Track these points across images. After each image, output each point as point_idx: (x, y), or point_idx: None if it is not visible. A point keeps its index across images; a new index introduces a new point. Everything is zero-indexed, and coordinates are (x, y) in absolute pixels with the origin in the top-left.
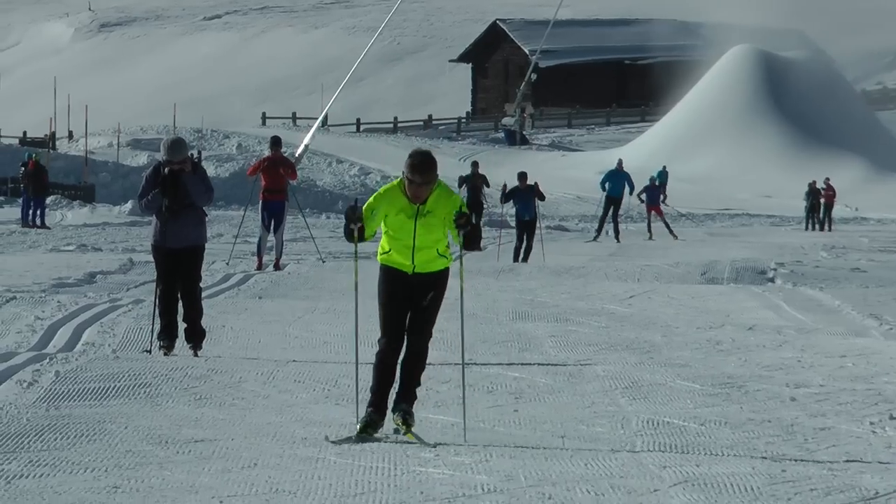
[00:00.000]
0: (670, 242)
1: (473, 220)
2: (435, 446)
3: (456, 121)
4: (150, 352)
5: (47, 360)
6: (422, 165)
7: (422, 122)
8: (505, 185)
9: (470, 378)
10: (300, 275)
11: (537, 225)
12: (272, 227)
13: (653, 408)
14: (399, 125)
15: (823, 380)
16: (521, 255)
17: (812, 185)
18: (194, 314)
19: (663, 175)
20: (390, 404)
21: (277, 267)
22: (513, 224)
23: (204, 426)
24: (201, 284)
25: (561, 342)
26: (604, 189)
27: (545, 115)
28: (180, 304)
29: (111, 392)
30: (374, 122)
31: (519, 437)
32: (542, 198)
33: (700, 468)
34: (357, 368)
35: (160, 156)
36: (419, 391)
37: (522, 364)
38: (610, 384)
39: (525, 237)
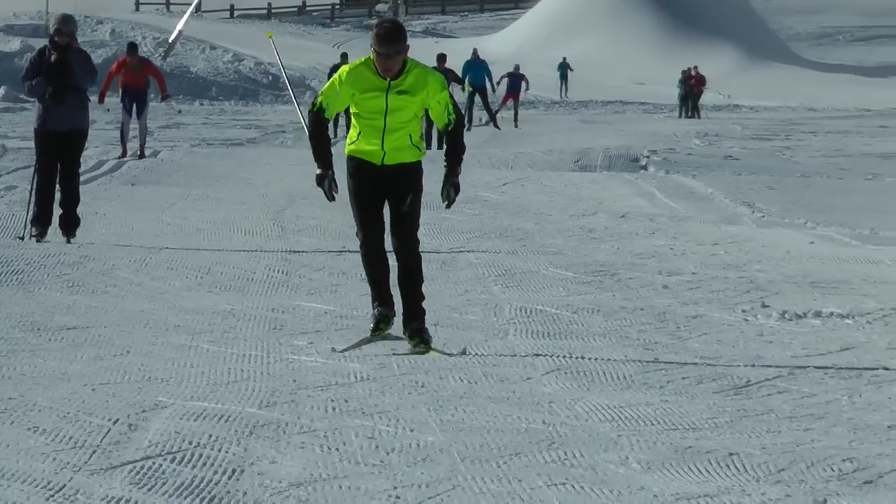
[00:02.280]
0: (544, 130)
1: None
2: (464, 353)
3: (330, 7)
4: (22, 238)
5: None
6: (388, 35)
7: (296, 9)
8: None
9: (342, 266)
10: (173, 161)
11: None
12: (134, 113)
13: (525, 295)
14: (273, 11)
15: (696, 267)
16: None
17: (685, 73)
18: (72, 201)
19: (564, 66)
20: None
21: (142, 154)
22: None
23: (76, 313)
24: (80, 166)
25: (433, 229)
26: (465, 80)
27: (418, 1)
28: (56, 190)
29: None
30: (248, 8)
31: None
32: (459, 82)
33: (572, 357)
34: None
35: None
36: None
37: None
38: (483, 272)
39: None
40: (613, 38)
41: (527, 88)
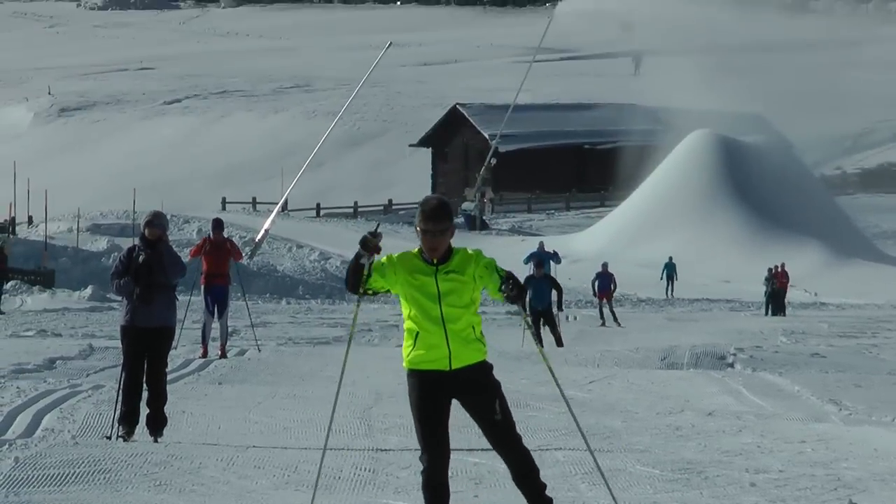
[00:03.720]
0: (630, 327)
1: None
2: None
3: (416, 206)
4: (110, 438)
5: (6, 446)
6: (434, 211)
7: (382, 207)
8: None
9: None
10: (260, 360)
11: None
12: (216, 313)
13: (613, 494)
14: (359, 210)
15: (783, 465)
16: (556, 341)
17: (772, 271)
18: (160, 401)
19: (671, 267)
20: None
21: (223, 354)
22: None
23: None
24: (168, 365)
25: (521, 427)
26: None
27: (505, 199)
28: (143, 389)
29: (71, 478)
30: (334, 207)
31: None
32: (557, 287)
33: None
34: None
35: (134, 240)
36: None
37: (482, 449)
38: (570, 469)
39: (550, 328)
40: (699, 237)
41: (615, 288)
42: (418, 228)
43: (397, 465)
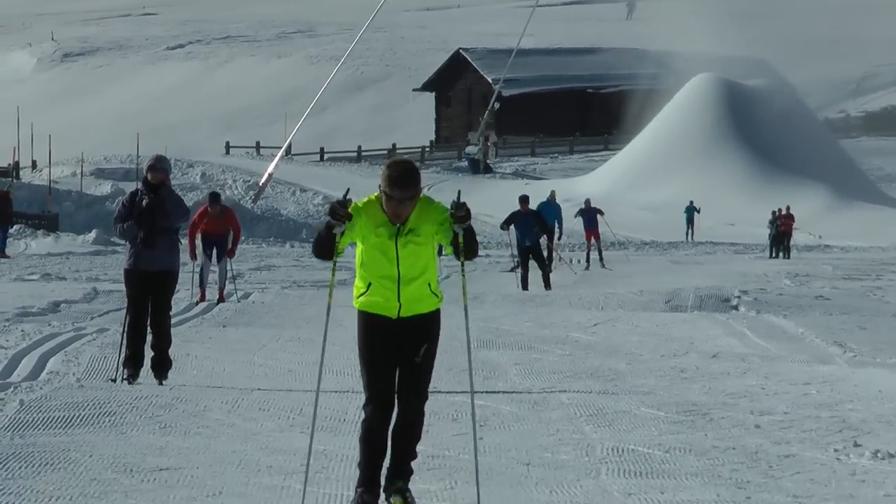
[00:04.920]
0: (634, 270)
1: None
2: None
3: (420, 150)
4: (114, 380)
5: (11, 388)
6: (402, 178)
7: (386, 151)
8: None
9: (435, 406)
10: (264, 303)
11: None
12: (215, 258)
13: (617, 435)
14: (363, 154)
15: (787, 407)
16: (523, 285)
17: (776, 214)
18: (163, 343)
19: (691, 210)
20: (382, 481)
21: (221, 299)
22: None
23: (169, 455)
24: (171, 310)
25: (525, 370)
26: None
27: (508, 143)
28: (147, 332)
29: (76, 421)
30: (337, 151)
31: (484, 465)
32: (543, 224)
33: (665, 495)
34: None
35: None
36: (415, 464)
37: (487, 392)
38: (574, 412)
39: (538, 264)
40: (703, 180)
41: (601, 214)
42: (383, 191)
43: None
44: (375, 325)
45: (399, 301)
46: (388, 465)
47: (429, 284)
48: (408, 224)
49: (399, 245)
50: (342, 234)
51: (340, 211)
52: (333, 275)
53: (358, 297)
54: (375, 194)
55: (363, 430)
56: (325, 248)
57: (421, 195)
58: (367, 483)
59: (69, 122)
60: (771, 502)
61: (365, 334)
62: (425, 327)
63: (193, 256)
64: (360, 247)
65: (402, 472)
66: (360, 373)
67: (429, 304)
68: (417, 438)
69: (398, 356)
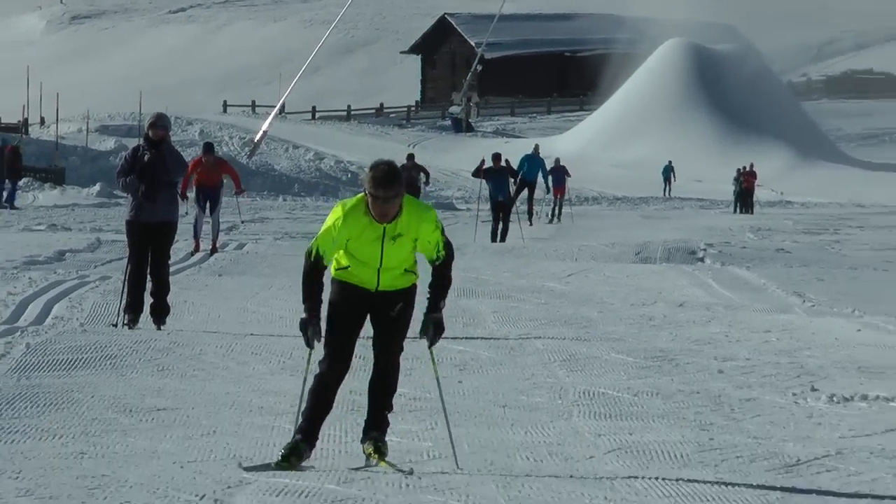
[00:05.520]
0: (606, 224)
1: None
2: (410, 472)
3: (406, 109)
4: (115, 325)
5: (18, 332)
6: (385, 178)
7: (374, 111)
8: (482, 161)
9: (416, 352)
10: (258, 253)
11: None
12: (208, 210)
13: (589, 379)
14: (352, 113)
15: (749, 353)
16: (500, 237)
17: (740, 171)
18: (162, 291)
19: (668, 169)
20: (335, 435)
21: (214, 249)
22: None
23: (166, 396)
24: (170, 260)
25: (503, 318)
26: (520, 173)
27: (490, 104)
28: (147, 280)
29: (79, 363)
30: (328, 110)
31: (463, 407)
32: (514, 177)
33: (633, 436)
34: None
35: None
36: (398, 405)
37: (466, 338)
38: (548, 357)
39: (501, 218)
40: (672, 139)
41: (568, 176)
42: (368, 193)
43: None
44: (351, 291)
45: (378, 281)
46: (365, 417)
47: (405, 269)
48: (397, 229)
49: (385, 246)
50: (319, 337)
51: (309, 333)
52: (309, 363)
53: (337, 270)
54: (358, 196)
55: (315, 382)
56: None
57: (408, 200)
58: (306, 432)
59: (76, 81)
60: (732, 443)
61: (339, 297)
62: (401, 296)
63: (185, 197)
64: (347, 245)
65: (378, 423)
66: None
67: (406, 281)
68: (393, 391)
69: (362, 322)
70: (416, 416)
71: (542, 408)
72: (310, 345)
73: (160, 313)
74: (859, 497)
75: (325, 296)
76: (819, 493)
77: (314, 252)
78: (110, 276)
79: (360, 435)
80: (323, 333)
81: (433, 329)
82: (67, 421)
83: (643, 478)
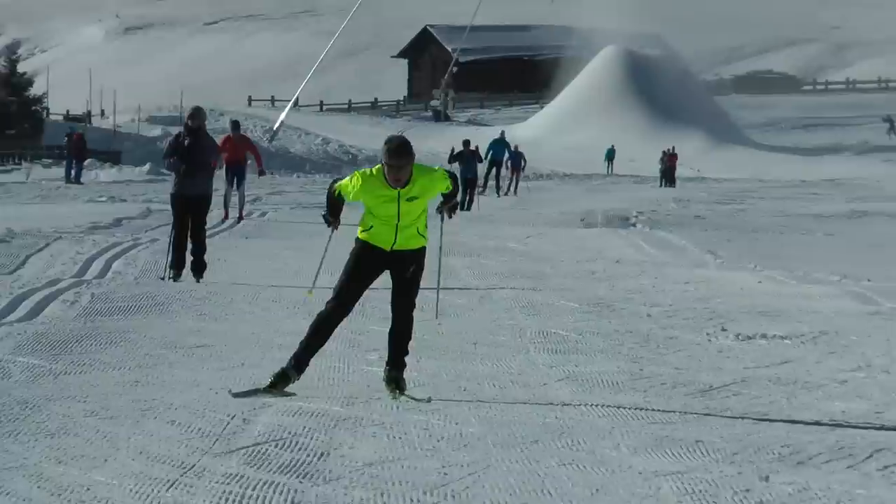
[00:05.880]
0: (557, 196)
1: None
2: (429, 401)
3: (395, 103)
4: (163, 279)
5: (84, 284)
6: (398, 149)
7: (370, 104)
8: (453, 149)
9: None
10: (277, 221)
11: (477, 182)
12: (235, 184)
13: (543, 322)
14: (352, 106)
15: (672, 301)
16: (466, 206)
17: (665, 153)
18: (200, 250)
19: (611, 152)
20: (324, 367)
21: (241, 217)
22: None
23: (204, 336)
24: (207, 225)
25: (474, 272)
26: (489, 154)
27: (463, 98)
28: (188, 242)
29: (133, 309)
30: (333, 103)
31: (441, 344)
32: (480, 160)
33: (578, 367)
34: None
35: (178, 128)
36: (407, 359)
37: (444, 288)
38: (510, 304)
39: (469, 191)
40: (610, 127)
41: (524, 164)
42: (384, 163)
43: (383, 300)
44: (370, 250)
45: (395, 238)
46: (387, 359)
47: (417, 229)
48: (411, 191)
49: (401, 206)
50: (337, 225)
51: (330, 222)
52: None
53: (362, 231)
54: (377, 167)
55: (317, 318)
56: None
57: (418, 167)
58: (300, 359)
59: (129, 81)
60: (658, 373)
61: (359, 253)
62: (413, 257)
63: (219, 168)
64: (366, 205)
65: (397, 364)
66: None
67: (417, 242)
68: (409, 339)
69: (375, 278)
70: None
71: (505, 345)
72: (330, 226)
73: (199, 269)
74: (760, 418)
75: (343, 249)
76: (728, 415)
77: (337, 191)
78: (158, 239)
79: (363, 368)
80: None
81: (448, 210)
82: (125, 355)
83: (586, 404)
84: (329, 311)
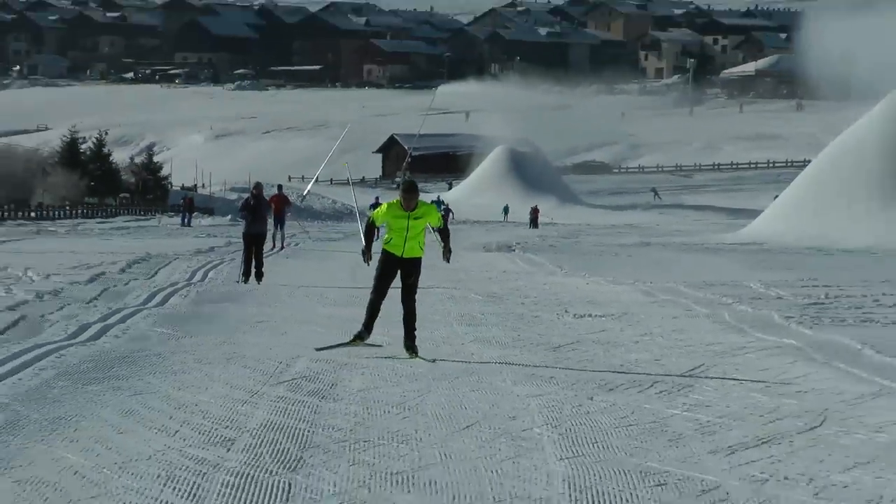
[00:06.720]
0: (469, 234)
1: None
2: (433, 361)
3: (375, 179)
4: (238, 282)
5: (192, 285)
6: (409, 186)
7: (360, 179)
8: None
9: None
10: (305, 248)
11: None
12: (279, 226)
13: (461, 307)
14: (349, 181)
15: (537, 295)
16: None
17: (533, 208)
18: (261, 266)
19: (507, 209)
20: (383, 332)
21: (283, 247)
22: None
23: (262, 317)
24: (264, 251)
25: (421, 281)
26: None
27: (415, 176)
28: (253, 260)
29: (221, 300)
30: (339, 179)
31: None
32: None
33: (481, 333)
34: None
35: (247, 193)
36: (417, 333)
37: (396, 288)
38: (441, 297)
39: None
40: (501, 195)
41: (453, 218)
42: (400, 195)
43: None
44: (390, 257)
45: (404, 247)
46: (403, 335)
47: (419, 242)
48: (417, 213)
49: (410, 222)
50: (369, 260)
51: (364, 260)
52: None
53: (385, 244)
54: (396, 199)
55: (369, 304)
56: (368, 238)
57: (423, 202)
58: (367, 325)
59: (219, 167)
60: (528, 337)
61: (384, 262)
62: (414, 264)
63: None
64: (388, 222)
65: (411, 337)
66: (371, 283)
67: (417, 252)
68: (414, 320)
69: (395, 278)
70: (378, 322)
71: (438, 321)
72: (367, 262)
73: (259, 277)
74: (587, 361)
75: (347, 264)
76: (569, 362)
77: (372, 220)
78: (234, 259)
79: (380, 337)
80: (374, 268)
81: (447, 255)
82: (216, 329)
83: (487, 353)
84: (373, 300)
